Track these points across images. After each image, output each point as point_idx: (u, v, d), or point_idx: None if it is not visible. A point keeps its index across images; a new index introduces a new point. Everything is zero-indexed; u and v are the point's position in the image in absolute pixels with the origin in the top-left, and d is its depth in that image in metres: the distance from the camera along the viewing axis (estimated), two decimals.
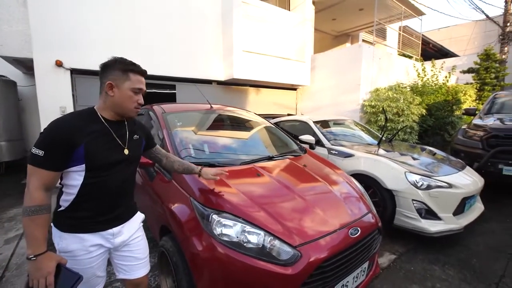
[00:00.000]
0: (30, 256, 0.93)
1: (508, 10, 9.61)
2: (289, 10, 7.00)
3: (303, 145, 2.85)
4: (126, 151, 1.15)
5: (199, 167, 1.52)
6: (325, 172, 2.12)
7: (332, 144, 3.42)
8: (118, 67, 1.08)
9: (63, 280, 0.96)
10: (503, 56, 9.63)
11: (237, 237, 1.34)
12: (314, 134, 3.58)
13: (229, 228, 1.38)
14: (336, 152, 3.23)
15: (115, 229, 1.17)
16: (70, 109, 4.16)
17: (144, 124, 1.38)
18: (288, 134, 2.94)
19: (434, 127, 6.61)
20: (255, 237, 1.35)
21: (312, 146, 3.30)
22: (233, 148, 2.32)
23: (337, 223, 1.50)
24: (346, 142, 3.61)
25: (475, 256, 2.39)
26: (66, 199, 1.08)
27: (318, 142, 3.46)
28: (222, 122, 2.71)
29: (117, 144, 1.13)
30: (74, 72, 4.21)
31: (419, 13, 8.19)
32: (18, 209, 3.36)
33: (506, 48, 9.75)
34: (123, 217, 1.22)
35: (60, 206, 1.10)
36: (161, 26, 4.89)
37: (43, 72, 3.97)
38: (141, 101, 1.13)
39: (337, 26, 9.63)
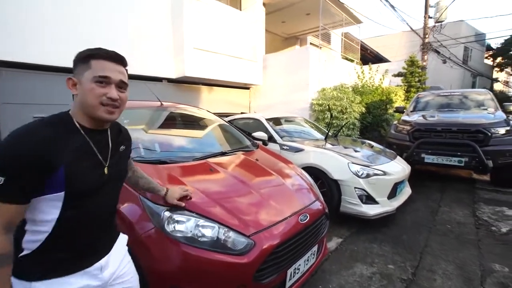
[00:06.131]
0: None
1: (426, 25, 11.30)
2: (241, 10, 7.08)
3: (256, 141, 2.93)
4: (106, 170, 0.90)
5: (165, 188, 1.36)
6: (277, 165, 2.21)
7: (284, 140, 3.59)
8: (80, 57, 0.84)
9: None
10: (424, 63, 11.28)
11: (191, 232, 1.33)
12: (266, 131, 3.69)
13: (182, 224, 1.35)
14: (288, 147, 3.40)
15: (102, 261, 0.93)
16: None
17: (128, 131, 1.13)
18: (241, 131, 2.99)
19: (373, 123, 7.41)
20: (210, 230, 1.35)
21: (265, 142, 3.41)
22: (184, 145, 2.27)
23: (288, 211, 1.59)
24: (296, 138, 3.82)
25: (404, 232, 2.76)
26: (35, 240, 0.81)
27: (271, 139, 3.59)
28: (173, 120, 2.62)
29: (98, 162, 0.88)
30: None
31: (358, 21, 9.08)
32: None
33: (425, 56, 11.46)
34: (110, 245, 1.00)
35: (23, 250, 0.82)
36: (105, 19, 4.48)
37: None
38: (112, 94, 0.84)
39: (287, 28, 10.08)
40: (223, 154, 2.15)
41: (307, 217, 1.62)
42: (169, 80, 5.73)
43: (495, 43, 23.56)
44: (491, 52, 23.41)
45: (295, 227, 1.52)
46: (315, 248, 1.73)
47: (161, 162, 1.80)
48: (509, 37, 21.01)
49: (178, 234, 1.33)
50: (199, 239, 1.33)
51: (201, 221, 1.37)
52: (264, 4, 7.33)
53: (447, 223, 2.98)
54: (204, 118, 2.86)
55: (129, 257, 1.10)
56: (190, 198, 1.46)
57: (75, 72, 0.85)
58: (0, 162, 0.71)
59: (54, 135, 0.78)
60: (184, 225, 1.35)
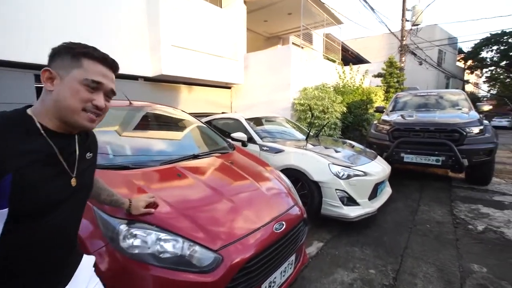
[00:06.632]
0: None
1: (404, 27, 11.65)
2: (221, 7, 6.89)
3: (234, 142, 2.79)
4: (73, 182, 0.74)
5: (128, 200, 1.20)
6: (253, 168, 2.08)
7: (264, 141, 3.46)
8: (68, 51, 0.70)
9: None
10: (402, 64, 11.62)
11: (150, 248, 1.16)
12: (246, 131, 3.56)
13: (140, 239, 1.18)
14: (267, 148, 3.28)
15: None
16: None
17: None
18: (220, 132, 2.83)
19: (354, 123, 7.48)
20: (172, 245, 1.19)
21: (244, 143, 3.28)
22: (152, 148, 2.08)
23: (262, 220, 1.45)
24: (277, 139, 3.70)
25: (385, 234, 2.72)
26: None
27: (250, 139, 3.46)
28: (143, 121, 2.41)
29: (62, 171, 0.72)
30: None
31: (338, 21, 9.15)
32: None
33: (403, 58, 11.81)
34: (70, 274, 0.82)
35: None
36: (73, 10, 4.16)
37: None
38: (99, 102, 0.72)
39: (269, 28, 10.00)
40: (195, 157, 1.99)
41: (283, 225, 1.49)
42: (146, 79, 5.45)
43: (466, 47, 24.89)
44: (462, 55, 24.69)
45: (270, 237, 1.39)
46: (292, 258, 1.61)
47: (122, 167, 1.62)
48: (478, 41, 22.23)
49: (136, 251, 1.16)
50: (160, 255, 1.16)
51: (163, 235, 1.20)
52: (245, 2, 7.19)
53: (427, 222, 2.98)
54: (177, 119, 2.67)
55: (96, 279, 0.94)
56: (157, 205, 1.30)
57: (55, 64, 0.70)
58: None
59: (9, 130, 0.62)
60: (143, 240, 1.18)
